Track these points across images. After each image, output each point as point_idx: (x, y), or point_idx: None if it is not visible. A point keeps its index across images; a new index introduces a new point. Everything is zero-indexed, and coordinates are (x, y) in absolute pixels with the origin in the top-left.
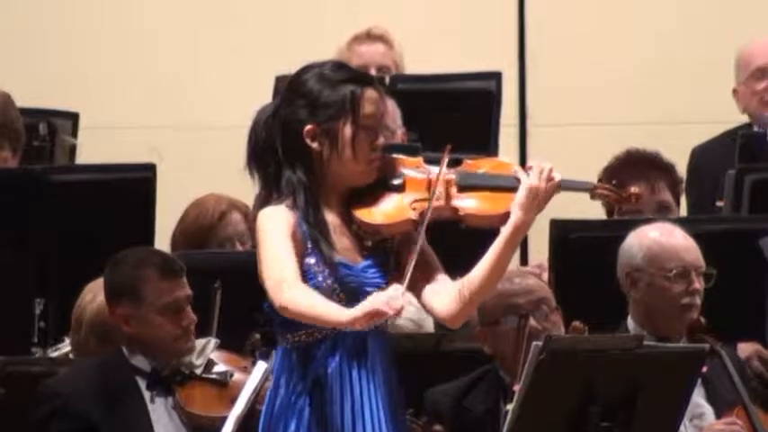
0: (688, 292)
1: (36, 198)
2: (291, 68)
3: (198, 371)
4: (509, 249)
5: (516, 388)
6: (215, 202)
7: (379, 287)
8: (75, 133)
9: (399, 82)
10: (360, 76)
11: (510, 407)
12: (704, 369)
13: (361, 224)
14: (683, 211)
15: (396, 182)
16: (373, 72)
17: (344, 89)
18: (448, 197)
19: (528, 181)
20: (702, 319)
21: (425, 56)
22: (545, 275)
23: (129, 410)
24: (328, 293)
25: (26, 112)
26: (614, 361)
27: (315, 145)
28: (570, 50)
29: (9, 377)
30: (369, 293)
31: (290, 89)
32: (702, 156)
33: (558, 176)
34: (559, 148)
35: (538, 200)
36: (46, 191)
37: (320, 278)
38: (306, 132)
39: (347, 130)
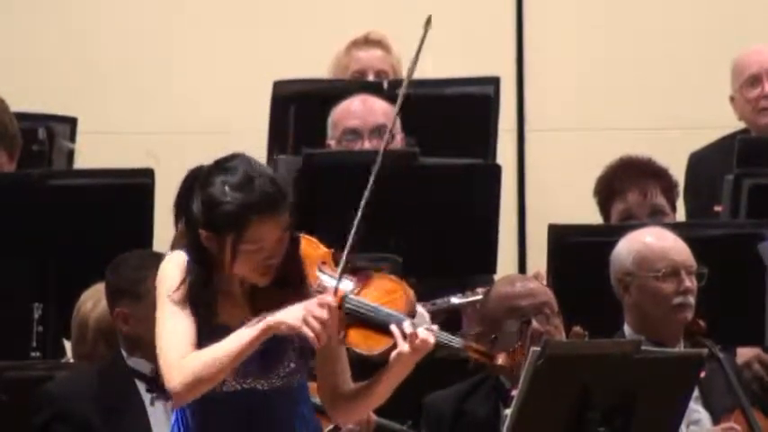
0: (679, 292)
1: (34, 203)
2: (289, 73)
3: None
4: (386, 391)
5: (515, 392)
6: None
7: (275, 356)
8: (73, 138)
9: (397, 87)
10: (261, 200)
11: (509, 411)
12: (701, 374)
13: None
14: (682, 216)
15: (295, 285)
16: (371, 77)
17: (234, 210)
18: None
19: (401, 347)
20: (701, 322)
21: (423, 61)
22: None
23: (128, 414)
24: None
25: (25, 116)
26: (612, 366)
27: (208, 246)
28: (569, 55)
29: (8, 383)
30: (259, 358)
31: (200, 182)
32: (700, 161)
33: (429, 337)
34: (557, 153)
35: (411, 361)
36: (44, 195)
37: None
38: (201, 233)
39: (230, 249)
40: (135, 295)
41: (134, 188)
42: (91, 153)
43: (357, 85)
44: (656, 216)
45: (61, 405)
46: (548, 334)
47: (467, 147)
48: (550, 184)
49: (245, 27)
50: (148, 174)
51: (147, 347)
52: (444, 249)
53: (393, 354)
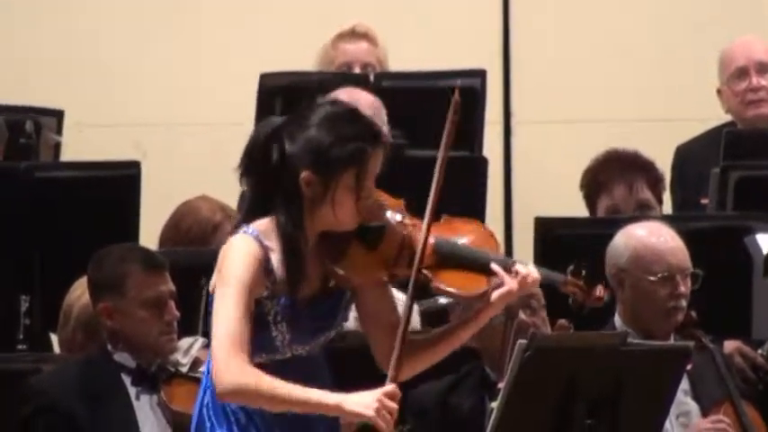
0: (673, 296)
1: (20, 195)
2: (275, 66)
3: (184, 369)
4: (467, 335)
5: (501, 385)
6: (209, 211)
7: (325, 321)
8: (59, 131)
9: (384, 79)
10: (372, 133)
11: (495, 404)
12: (690, 366)
13: (332, 272)
14: (668, 209)
15: (374, 233)
16: (357, 69)
17: (354, 146)
18: (424, 264)
19: (510, 284)
20: (693, 313)
21: (410, 53)
22: None
23: (114, 408)
24: (269, 322)
25: (12, 109)
26: (599, 358)
27: (308, 191)
28: (554, 48)
29: None
30: (311, 325)
31: (299, 122)
32: (687, 154)
33: (536, 275)
34: (544, 146)
35: (514, 299)
36: (30, 188)
37: (265, 309)
38: (302, 178)
39: (346, 188)
40: (118, 290)
41: (121, 180)
42: (77, 146)
43: (343, 77)
44: (641, 210)
45: (47, 398)
46: (534, 326)
47: (453, 140)
48: (537, 176)
49: (232, 19)
50: (135, 166)
51: (130, 342)
52: None
53: (498, 292)
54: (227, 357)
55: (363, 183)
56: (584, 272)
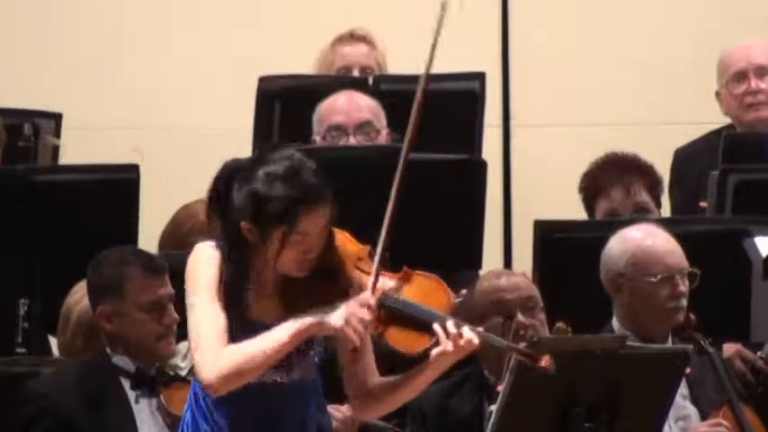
0: (673, 296)
1: (19, 198)
2: (274, 69)
3: (182, 373)
4: (413, 394)
5: (500, 388)
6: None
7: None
8: (58, 134)
9: (383, 82)
10: (308, 194)
11: (494, 407)
12: (688, 370)
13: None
14: (667, 212)
15: (322, 283)
16: (356, 73)
17: (283, 206)
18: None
19: (445, 346)
20: (692, 316)
21: (409, 56)
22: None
23: (113, 411)
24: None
25: (10, 112)
26: (597, 362)
27: (250, 238)
28: (554, 51)
29: None
30: None
31: (249, 173)
32: (686, 156)
33: (472, 337)
34: (543, 149)
35: (452, 360)
36: (29, 191)
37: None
38: (242, 226)
39: (279, 241)
40: (118, 293)
41: (119, 184)
42: (76, 149)
43: (342, 81)
44: (639, 213)
45: (46, 401)
46: (532, 328)
47: (452, 142)
48: (536, 179)
49: (231, 23)
50: (134, 169)
51: (129, 345)
52: (430, 245)
53: (434, 352)
54: (204, 352)
55: (293, 240)
56: (533, 339)
